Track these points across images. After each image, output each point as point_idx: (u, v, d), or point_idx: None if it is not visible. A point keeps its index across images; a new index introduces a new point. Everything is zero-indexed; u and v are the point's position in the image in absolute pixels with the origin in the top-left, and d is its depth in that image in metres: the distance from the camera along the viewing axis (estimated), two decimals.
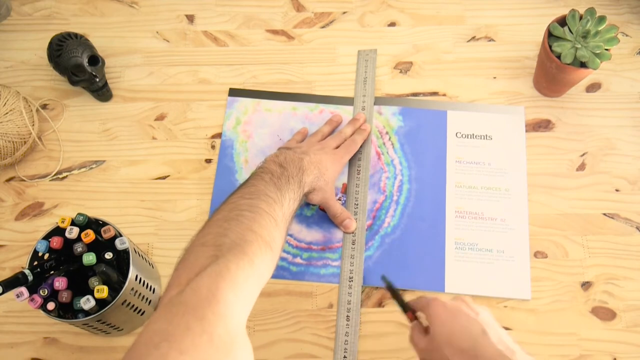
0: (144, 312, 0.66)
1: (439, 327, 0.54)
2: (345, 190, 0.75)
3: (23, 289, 0.56)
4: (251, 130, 0.79)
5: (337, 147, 0.73)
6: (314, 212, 0.74)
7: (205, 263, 0.45)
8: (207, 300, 0.41)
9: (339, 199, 0.74)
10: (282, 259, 0.72)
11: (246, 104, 0.80)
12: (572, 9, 0.72)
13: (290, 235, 0.73)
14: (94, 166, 0.78)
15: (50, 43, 0.78)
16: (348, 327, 0.68)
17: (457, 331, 0.53)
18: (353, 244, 0.72)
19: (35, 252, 0.60)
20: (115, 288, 0.59)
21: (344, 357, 0.66)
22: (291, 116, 0.80)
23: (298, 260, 0.72)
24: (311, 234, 0.73)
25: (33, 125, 0.76)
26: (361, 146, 0.76)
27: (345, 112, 0.79)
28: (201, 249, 0.48)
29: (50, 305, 0.57)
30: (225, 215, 0.51)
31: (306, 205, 0.74)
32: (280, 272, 0.71)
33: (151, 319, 0.41)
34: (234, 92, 0.81)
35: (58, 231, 0.61)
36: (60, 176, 0.77)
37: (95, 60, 0.78)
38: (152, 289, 0.67)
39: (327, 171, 0.68)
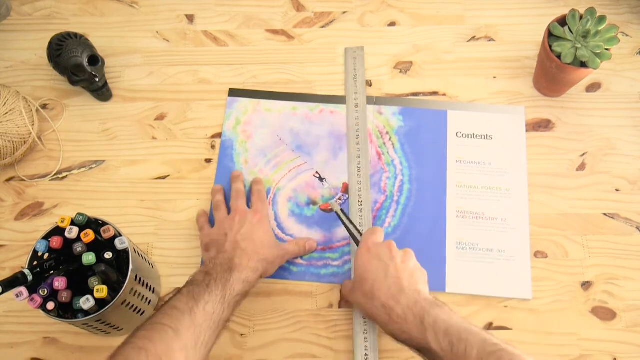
0: (143, 312, 0.66)
1: (357, 270, 0.61)
2: (345, 189, 0.75)
3: (23, 289, 0.56)
4: (251, 130, 0.79)
5: (248, 204, 0.71)
6: (314, 213, 0.74)
7: None
8: None
9: (340, 199, 0.74)
10: None
11: (246, 104, 0.80)
12: (572, 9, 0.72)
13: (291, 236, 0.73)
14: (93, 166, 0.78)
15: (50, 43, 0.78)
16: (366, 324, 0.67)
17: (365, 277, 0.59)
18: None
19: (35, 252, 0.60)
20: (114, 288, 0.59)
21: (365, 355, 0.66)
22: (291, 116, 0.80)
23: (298, 260, 0.72)
24: (311, 234, 0.73)
25: (33, 125, 0.76)
26: (359, 145, 0.76)
27: (344, 111, 0.79)
28: None
29: (50, 305, 0.57)
30: (127, 340, 0.50)
31: (307, 205, 0.74)
32: (281, 272, 0.71)
33: None
34: (234, 93, 0.81)
35: (58, 231, 0.61)
36: (60, 176, 0.77)
37: (95, 60, 0.78)
38: (152, 288, 0.67)
39: (262, 247, 0.65)
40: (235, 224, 0.67)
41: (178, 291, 0.58)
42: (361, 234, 0.68)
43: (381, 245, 0.62)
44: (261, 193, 0.73)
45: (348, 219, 0.70)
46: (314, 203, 0.75)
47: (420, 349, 0.54)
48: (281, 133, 0.79)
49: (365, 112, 0.79)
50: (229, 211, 0.71)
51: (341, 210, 0.70)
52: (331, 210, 0.74)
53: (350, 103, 0.79)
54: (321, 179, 0.76)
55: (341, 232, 0.73)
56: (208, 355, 0.53)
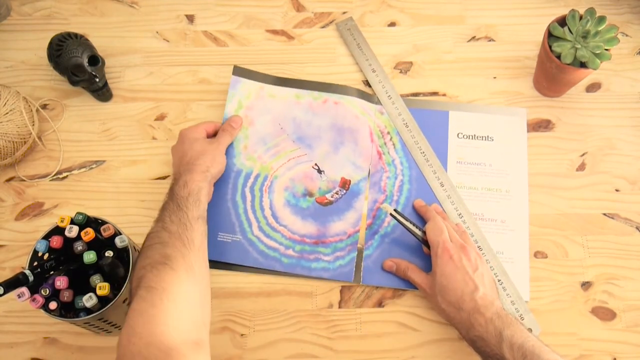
0: None
1: (440, 277, 0.64)
2: (343, 184, 0.75)
3: (24, 289, 0.56)
4: (253, 116, 0.78)
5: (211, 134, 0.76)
6: (310, 205, 0.74)
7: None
8: None
9: (336, 193, 0.74)
10: (274, 249, 0.71)
11: (249, 87, 0.79)
12: (572, 9, 0.72)
13: (285, 227, 0.73)
14: (94, 166, 0.78)
15: (50, 43, 0.79)
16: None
17: (452, 287, 0.63)
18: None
19: (35, 252, 0.60)
20: (115, 287, 0.59)
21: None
22: (294, 104, 0.79)
23: (290, 252, 0.72)
24: (305, 227, 0.73)
25: (33, 125, 0.76)
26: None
27: (348, 103, 0.79)
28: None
29: (52, 305, 0.57)
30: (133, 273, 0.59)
31: (303, 196, 0.74)
32: (272, 262, 0.71)
33: None
34: (238, 72, 0.80)
35: (57, 231, 0.61)
36: (60, 176, 0.77)
37: (95, 60, 0.78)
38: None
39: (190, 154, 0.70)
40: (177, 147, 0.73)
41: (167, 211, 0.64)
42: (419, 229, 0.69)
43: (459, 252, 0.65)
44: (225, 132, 0.74)
45: (405, 217, 0.70)
46: (311, 195, 0.74)
47: (493, 355, 0.58)
48: (283, 122, 0.78)
49: (386, 78, 0.80)
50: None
51: (395, 210, 0.70)
52: (329, 203, 0.73)
53: (366, 70, 0.80)
54: (320, 171, 0.75)
55: (335, 227, 0.72)
56: (204, 246, 0.62)
